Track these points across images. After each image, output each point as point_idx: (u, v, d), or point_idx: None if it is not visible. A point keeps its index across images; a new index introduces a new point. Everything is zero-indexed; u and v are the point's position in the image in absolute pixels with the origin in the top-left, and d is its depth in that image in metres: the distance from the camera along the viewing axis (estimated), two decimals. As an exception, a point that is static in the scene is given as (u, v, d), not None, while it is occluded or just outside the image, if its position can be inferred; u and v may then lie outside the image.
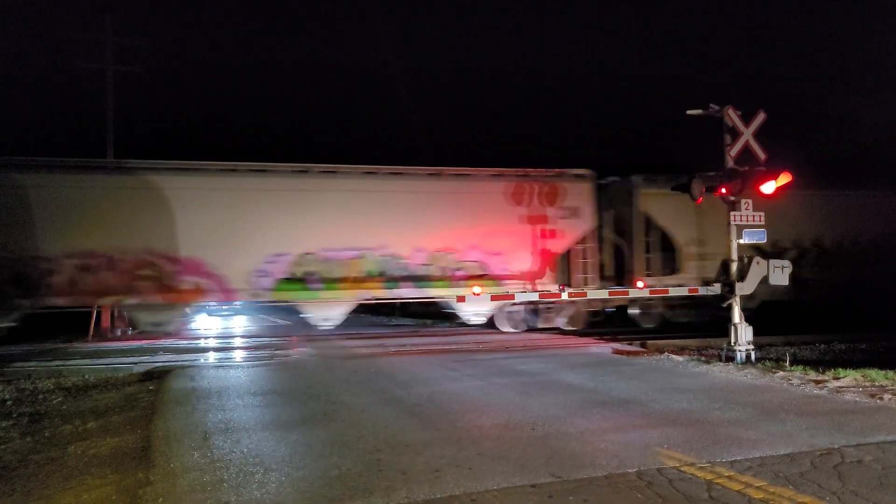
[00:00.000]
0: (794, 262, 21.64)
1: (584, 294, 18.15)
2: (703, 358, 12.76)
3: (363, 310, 25.92)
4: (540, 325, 19.98)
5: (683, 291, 16.29)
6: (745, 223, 12.85)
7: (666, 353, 13.48)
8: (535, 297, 18.53)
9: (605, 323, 21.42)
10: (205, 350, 16.74)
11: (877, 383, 9.63)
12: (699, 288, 14.51)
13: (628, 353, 14.09)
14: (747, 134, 12.84)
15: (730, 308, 12.74)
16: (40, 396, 10.30)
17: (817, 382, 9.83)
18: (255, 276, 17.73)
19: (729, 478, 5.49)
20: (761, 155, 12.82)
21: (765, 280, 12.83)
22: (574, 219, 20.03)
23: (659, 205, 20.40)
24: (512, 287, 19.17)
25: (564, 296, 16.28)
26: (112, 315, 20.47)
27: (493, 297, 18.44)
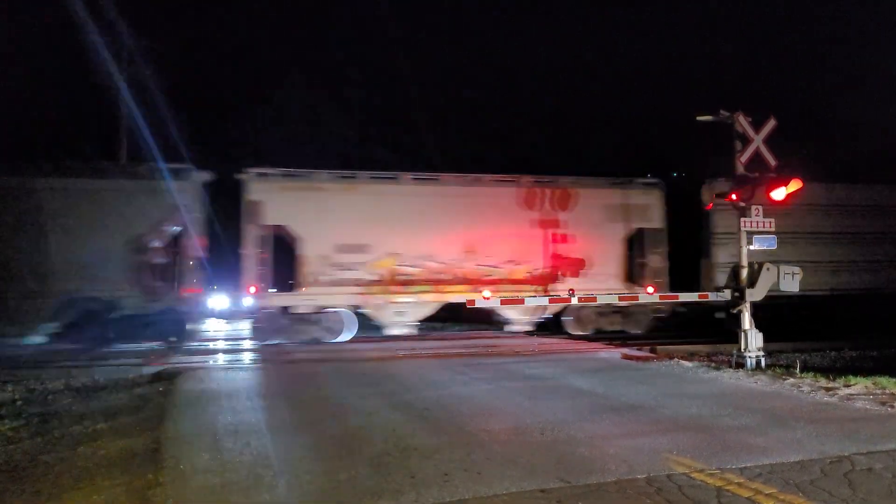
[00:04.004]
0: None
1: (594, 299, 18.11)
2: (712, 364, 12.71)
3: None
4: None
5: (694, 297, 16.24)
6: (756, 229, 12.82)
7: (675, 359, 13.43)
8: (544, 301, 18.51)
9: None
10: (214, 352, 16.80)
11: (888, 391, 9.56)
12: (709, 294, 14.45)
13: (637, 358, 14.05)
14: (758, 140, 12.82)
15: (740, 314, 12.71)
16: (50, 397, 10.35)
17: (828, 389, 9.77)
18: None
19: (739, 484, 5.47)
20: (772, 161, 12.80)
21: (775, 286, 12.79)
22: (171, 221, 17.55)
23: (280, 204, 18.09)
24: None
25: (574, 300, 16.25)
26: None
27: (504, 302, 18.42)
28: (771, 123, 12.90)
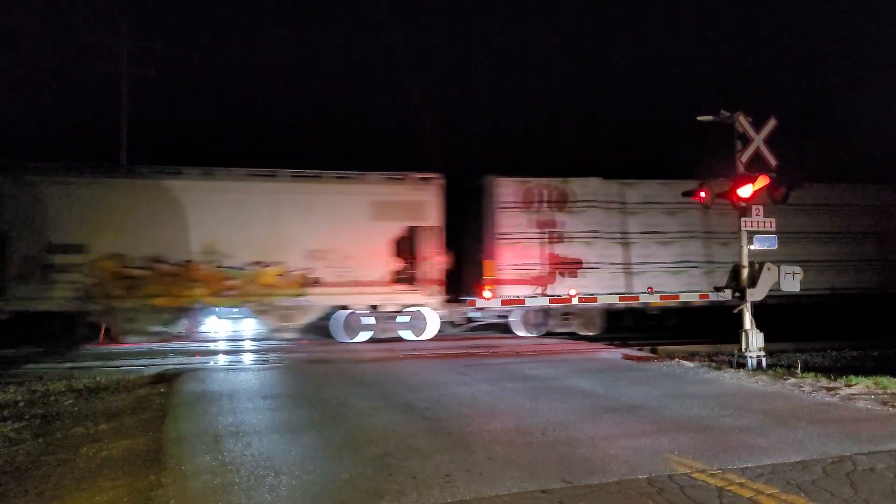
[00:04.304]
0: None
1: (595, 299, 18.14)
2: (713, 364, 12.71)
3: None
4: None
5: (695, 297, 16.24)
6: (757, 229, 12.82)
7: (676, 359, 13.43)
8: (545, 302, 18.54)
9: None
10: (215, 353, 16.80)
11: (889, 391, 9.57)
12: (710, 294, 14.44)
13: (638, 358, 14.05)
14: (758, 140, 12.83)
15: (741, 314, 12.70)
16: (52, 398, 10.35)
17: (829, 390, 9.77)
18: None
19: (740, 485, 5.47)
20: (772, 161, 12.81)
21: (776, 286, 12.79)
22: None
23: None
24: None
25: (575, 301, 16.25)
26: None
27: (504, 302, 18.45)
28: (771, 123, 12.90)
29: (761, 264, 12.75)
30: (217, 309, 19.05)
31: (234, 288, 17.50)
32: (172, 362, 14.44)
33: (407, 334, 18.94)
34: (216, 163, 18.24)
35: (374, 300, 18.28)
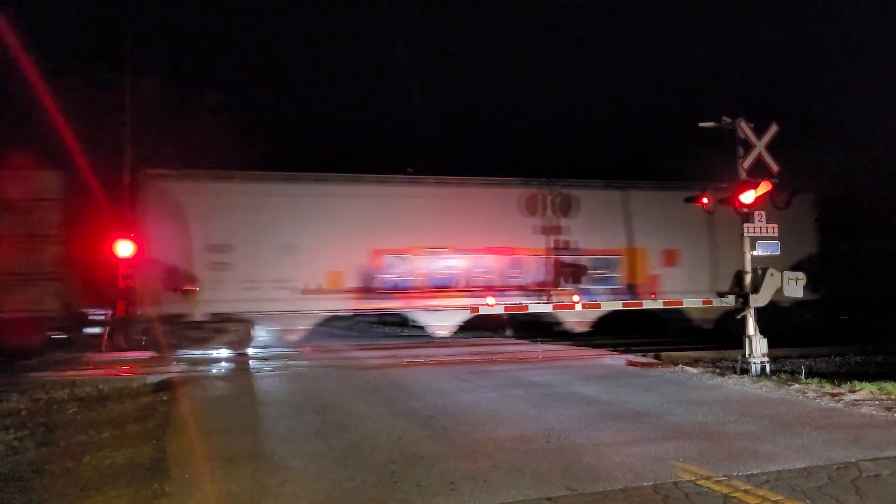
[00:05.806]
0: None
1: (598, 305, 18.09)
2: (717, 370, 12.68)
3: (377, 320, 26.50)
4: None
5: (698, 303, 16.20)
6: (759, 235, 12.80)
7: (680, 365, 13.41)
8: (548, 308, 18.50)
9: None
10: (218, 360, 16.78)
11: (893, 396, 9.54)
12: (713, 300, 14.41)
13: (642, 364, 14.02)
14: (760, 146, 12.82)
15: (743, 320, 12.68)
16: (55, 406, 10.35)
17: (833, 395, 9.75)
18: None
19: (746, 492, 5.46)
20: (774, 167, 12.80)
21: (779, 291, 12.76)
22: None
23: None
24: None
25: (578, 307, 16.21)
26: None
27: (508, 308, 18.41)
28: (773, 129, 12.89)
29: (764, 270, 12.74)
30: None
31: None
32: (176, 370, 14.43)
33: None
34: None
35: None
